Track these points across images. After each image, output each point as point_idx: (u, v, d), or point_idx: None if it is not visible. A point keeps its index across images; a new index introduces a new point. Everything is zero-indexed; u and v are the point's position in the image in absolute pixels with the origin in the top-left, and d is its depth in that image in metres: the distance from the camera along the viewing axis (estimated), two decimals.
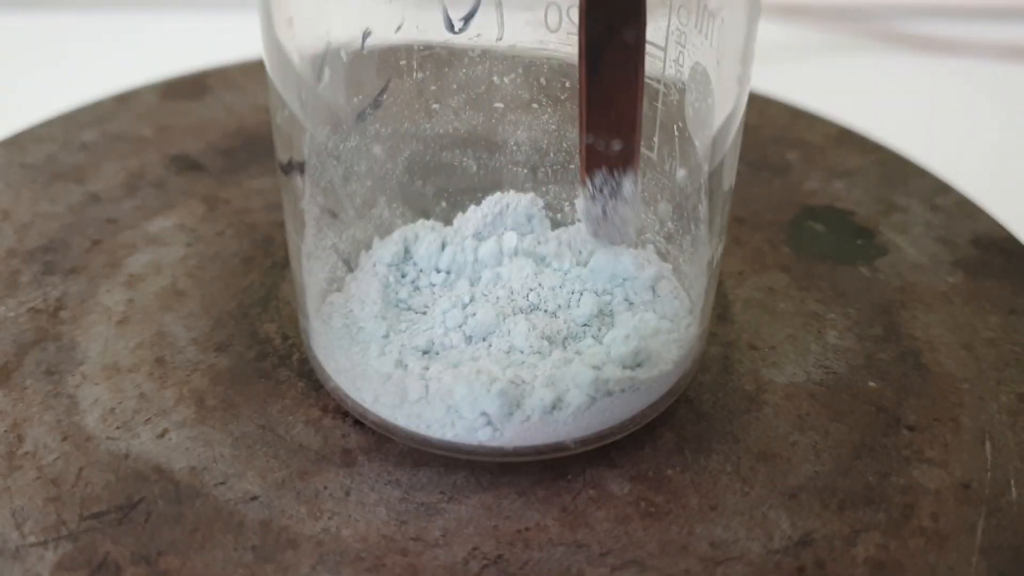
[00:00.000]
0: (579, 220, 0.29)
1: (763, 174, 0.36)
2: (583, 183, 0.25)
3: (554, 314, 0.26)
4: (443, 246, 0.28)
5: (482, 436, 0.25)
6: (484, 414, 0.24)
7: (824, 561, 0.24)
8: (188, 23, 0.58)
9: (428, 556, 0.24)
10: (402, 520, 0.24)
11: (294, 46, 0.25)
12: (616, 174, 0.25)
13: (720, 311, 0.30)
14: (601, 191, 0.25)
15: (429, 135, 0.28)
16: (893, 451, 0.26)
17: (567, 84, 0.27)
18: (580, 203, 0.26)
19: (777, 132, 0.39)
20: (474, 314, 0.26)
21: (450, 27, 0.25)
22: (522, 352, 0.25)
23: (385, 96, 0.27)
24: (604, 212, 0.25)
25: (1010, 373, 0.29)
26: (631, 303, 0.27)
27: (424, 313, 0.27)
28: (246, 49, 0.38)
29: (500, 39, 0.26)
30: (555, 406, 0.24)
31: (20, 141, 0.37)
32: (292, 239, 0.27)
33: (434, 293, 0.27)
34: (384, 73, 0.27)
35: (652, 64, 0.26)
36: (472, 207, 0.28)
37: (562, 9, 0.25)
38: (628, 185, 0.25)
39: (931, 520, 0.25)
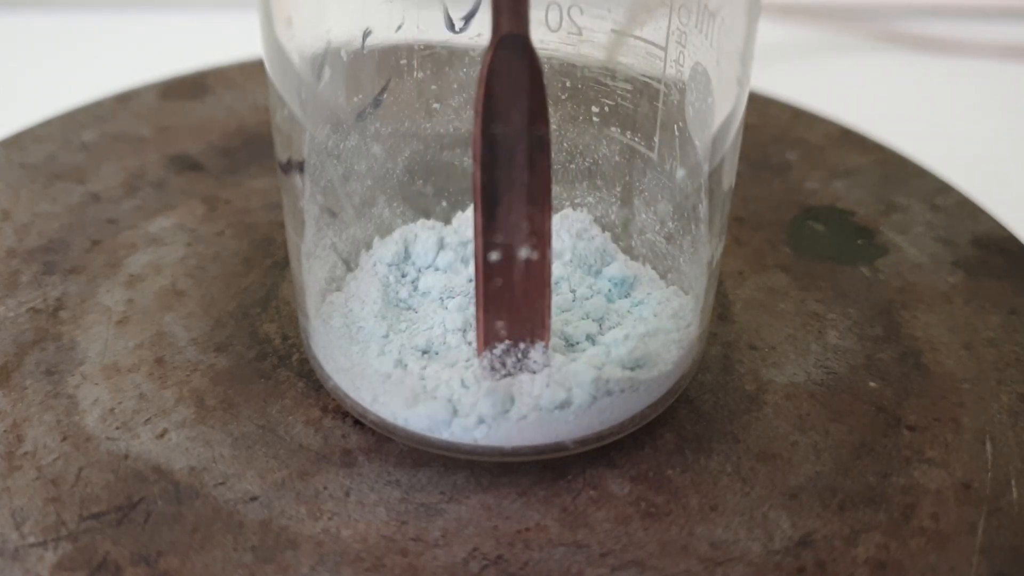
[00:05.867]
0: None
1: (763, 174, 0.36)
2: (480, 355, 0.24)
3: (553, 314, 0.26)
4: (443, 246, 0.28)
5: (479, 436, 0.25)
6: (482, 414, 0.24)
7: (824, 561, 0.24)
8: (188, 23, 0.58)
9: (428, 556, 0.24)
10: (402, 520, 0.24)
11: (294, 46, 0.25)
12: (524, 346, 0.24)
13: (720, 311, 0.30)
14: (504, 363, 0.24)
15: (429, 135, 0.28)
16: (893, 451, 0.26)
17: (567, 84, 0.27)
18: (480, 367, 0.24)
19: (777, 132, 0.39)
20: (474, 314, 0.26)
21: (451, 27, 0.25)
22: None
23: (385, 96, 0.27)
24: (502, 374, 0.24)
25: (1010, 373, 0.29)
26: (631, 303, 0.27)
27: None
28: (246, 49, 0.38)
29: None
30: (554, 406, 0.24)
31: (20, 141, 0.37)
32: (292, 239, 0.27)
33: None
34: (384, 72, 0.27)
35: (652, 64, 0.26)
36: (472, 207, 0.28)
37: (562, 9, 0.25)
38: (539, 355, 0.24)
39: (931, 520, 0.25)
